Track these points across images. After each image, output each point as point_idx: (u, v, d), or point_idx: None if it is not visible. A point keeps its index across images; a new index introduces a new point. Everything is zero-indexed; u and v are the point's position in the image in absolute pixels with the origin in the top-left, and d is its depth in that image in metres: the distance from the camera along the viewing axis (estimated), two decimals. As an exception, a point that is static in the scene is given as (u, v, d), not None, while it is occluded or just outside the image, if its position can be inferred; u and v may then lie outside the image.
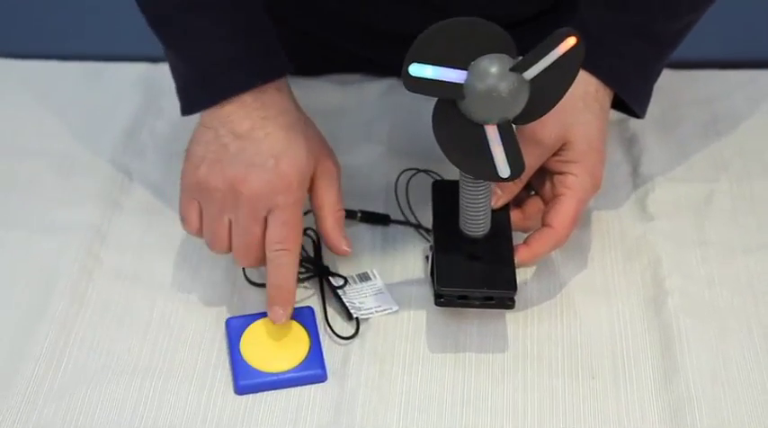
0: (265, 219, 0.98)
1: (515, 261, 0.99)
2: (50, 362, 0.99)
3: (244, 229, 0.98)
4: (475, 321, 1.02)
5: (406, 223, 1.11)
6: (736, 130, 1.21)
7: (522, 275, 1.06)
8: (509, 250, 1.00)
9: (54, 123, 1.23)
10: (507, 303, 0.98)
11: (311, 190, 1.01)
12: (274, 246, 0.98)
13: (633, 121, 1.19)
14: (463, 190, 0.97)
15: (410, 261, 1.08)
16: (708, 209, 1.12)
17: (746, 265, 1.07)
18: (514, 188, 1.02)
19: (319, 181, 1.00)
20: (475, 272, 0.98)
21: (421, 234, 1.10)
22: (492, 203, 1.00)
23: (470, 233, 1.00)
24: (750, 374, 0.99)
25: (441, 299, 0.98)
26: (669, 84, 1.22)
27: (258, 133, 0.97)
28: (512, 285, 0.97)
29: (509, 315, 1.03)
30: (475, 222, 0.99)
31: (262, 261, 1.00)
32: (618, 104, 1.06)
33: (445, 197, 1.01)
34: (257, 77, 0.98)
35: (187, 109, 1.00)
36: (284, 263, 0.98)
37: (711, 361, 0.99)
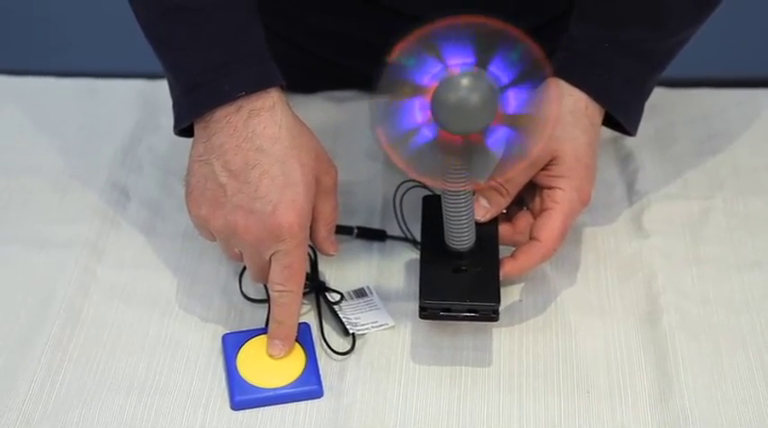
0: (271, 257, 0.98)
1: (501, 274, 0.99)
2: (46, 379, 0.99)
3: (251, 262, 0.99)
4: (470, 337, 1.02)
5: (403, 239, 1.11)
6: (730, 148, 1.21)
7: (518, 292, 1.06)
8: (494, 263, 1.00)
9: (51, 139, 1.23)
10: (491, 316, 0.98)
11: None
12: (276, 287, 0.98)
13: (629, 139, 1.19)
14: (445, 203, 0.97)
15: (406, 276, 1.08)
16: (703, 227, 1.13)
17: (741, 283, 1.07)
18: (502, 202, 1.02)
19: (317, 198, 1.00)
20: (459, 285, 0.99)
21: (418, 249, 1.10)
22: (480, 217, 1.00)
23: (455, 246, 1.00)
24: (745, 391, 0.99)
25: (424, 312, 0.98)
26: (664, 102, 1.22)
27: (253, 173, 0.95)
28: (495, 298, 0.97)
29: (504, 331, 1.03)
30: (458, 235, 0.99)
31: None
32: (610, 122, 1.06)
33: (434, 211, 1.01)
34: (242, 87, 0.95)
35: (175, 124, 0.99)
36: (286, 302, 0.98)
37: (706, 378, 0.99)
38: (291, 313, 0.99)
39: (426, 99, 0.89)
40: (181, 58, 0.97)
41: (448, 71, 0.89)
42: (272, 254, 0.97)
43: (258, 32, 0.98)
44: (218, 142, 0.95)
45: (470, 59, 0.89)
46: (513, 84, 0.89)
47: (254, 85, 0.96)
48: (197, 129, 0.98)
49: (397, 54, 0.90)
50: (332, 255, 1.04)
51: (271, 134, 0.96)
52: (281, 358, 1.00)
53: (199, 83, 0.96)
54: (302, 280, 0.99)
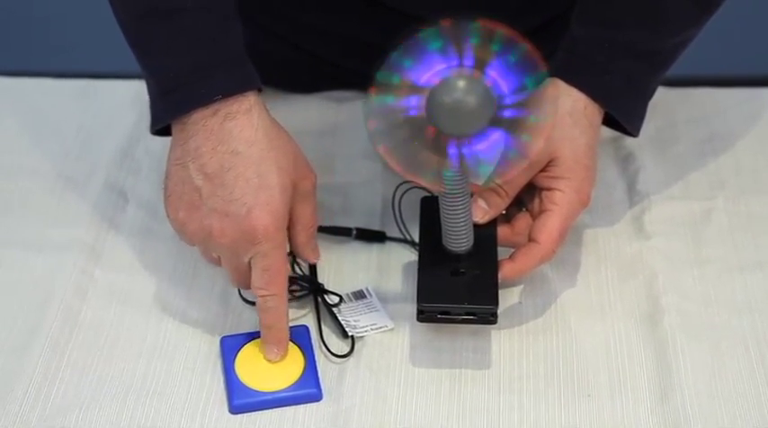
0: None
1: (500, 276, 0.99)
2: (43, 383, 0.99)
3: (230, 266, 0.98)
4: (470, 338, 1.02)
5: (403, 240, 1.11)
6: (732, 148, 1.21)
7: (517, 293, 1.06)
8: (493, 265, 1.00)
9: (48, 141, 1.23)
10: (489, 319, 0.98)
11: None
12: (259, 292, 0.97)
13: (629, 139, 1.19)
14: (443, 204, 0.97)
15: (406, 278, 1.08)
16: (704, 228, 1.12)
17: (743, 283, 1.07)
18: (501, 203, 1.01)
19: (295, 204, 0.99)
20: (456, 288, 0.98)
21: (417, 250, 1.10)
22: (478, 219, 1.00)
23: (453, 248, 0.99)
24: (746, 392, 0.98)
25: (421, 315, 0.98)
26: (665, 101, 1.22)
27: (228, 176, 0.94)
28: (493, 300, 0.97)
29: (504, 332, 1.03)
30: (456, 237, 0.98)
31: None
32: (613, 122, 1.06)
33: (433, 213, 1.01)
34: (219, 90, 0.95)
35: (152, 124, 0.99)
36: (271, 306, 0.98)
37: (708, 380, 0.99)
38: (279, 316, 0.98)
39: (422, 100, 0.89)
40: (159, 60, 0.97)
41: (445, 72, 0.88)
42: (251, 258, 0.96)
43: (237, 35, 0.98)
44: (195, 145, 0.95)
45: (468, 61, 0.89)
46: (511, 85, 0.89)
47: (231, 89, 0.95)
48: (174, 132, 0.97)
49: (395, 53, 0.89)
50: (313, 263, 1.04)
51: (247, 137, 0.95)
52: (279, 361, 0.99)
53: (176, 85, 0.96)
54: (284, 282, 0.98)
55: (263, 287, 0.97)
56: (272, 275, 0.97)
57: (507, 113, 0.89)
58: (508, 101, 0.89)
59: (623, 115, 1.05)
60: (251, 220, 0.94)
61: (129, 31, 0.98)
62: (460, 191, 0.95)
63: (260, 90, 0.98)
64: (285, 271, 0.98)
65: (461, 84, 0.88)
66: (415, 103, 0.89)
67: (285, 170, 0.96)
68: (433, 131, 0.89)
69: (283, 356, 0.99)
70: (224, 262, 0.99)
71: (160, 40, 0.96)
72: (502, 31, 0.89)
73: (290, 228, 0.99)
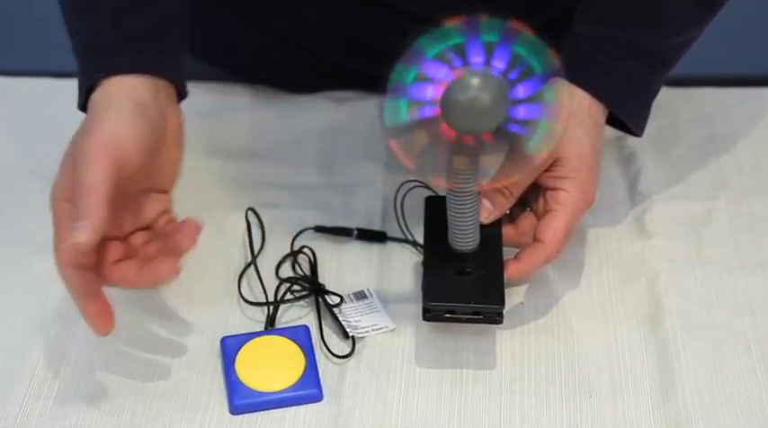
0: None
1: (505, 276, 0.99)
2: (43, 383, 0.98)
3: None
4: (472, 339, 1.02)
5: (404, 240, 1.10)
6: (734, 148, 1.21)
7: (519, 294, 1.06)
8: (498, 265, 0.99)
9: (48, 141, 1.22)
10: (495, 318, 0.97)
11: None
12: None
13: (631, 139, 1.19)
14: (450, 203, 0.97)
15: (407, 278, 1.08)
16: (706, 228, 1.12)
17: (745, 284, 1.07)
18: (506, 203, 1.01)
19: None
20: (463, 287, 0.98)
21: (418, 251, 1.09)
22: (483, 219, 1.00)
23: (459, 247, 0.99)
24: (748, 393, 0.98)
25: (427, 314, 0.98)
26: (667, 101, 1.21)
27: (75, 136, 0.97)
28: (499, 300, 0.97)
29: (506, 333, 1.03)
30: (463, 236, 0.98)
31: None
32: (617, 122, 1.06)
33: (437, 212, 1.00)
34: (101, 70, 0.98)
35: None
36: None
37: (709, 381, 0.99)
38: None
39: (437, 97, 0.89)
40: (75, 37, 1.02)
41: (458, 70, 0.88)
42: None
43: (135, 16, 1.00)
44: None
45: (480, 59, 0.89)
46: (522, 83, 0.89)
47: (108, 69, 0.98)
48: None
49: (408, 52, 0.89)
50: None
51: (96, 101, 0.98)
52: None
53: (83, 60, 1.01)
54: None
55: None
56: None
57: (517, 112, 0.89)
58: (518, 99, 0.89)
59: (627, 115, 1.05)
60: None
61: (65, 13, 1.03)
62: (469, 189, 0.95)
63: (165, 76, 0.99)
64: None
65: (476, 81, 0.88)
66: (429, 101, 0.89)
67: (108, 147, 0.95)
68: (447, 128, 0.89)
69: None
70: None
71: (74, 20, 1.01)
72: (512, 26, 0.89)
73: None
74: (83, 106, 1.00)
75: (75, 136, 0.97)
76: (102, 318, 0.93)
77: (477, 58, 0.89)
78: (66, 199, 0.95)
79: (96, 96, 0.98)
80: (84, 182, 0.93)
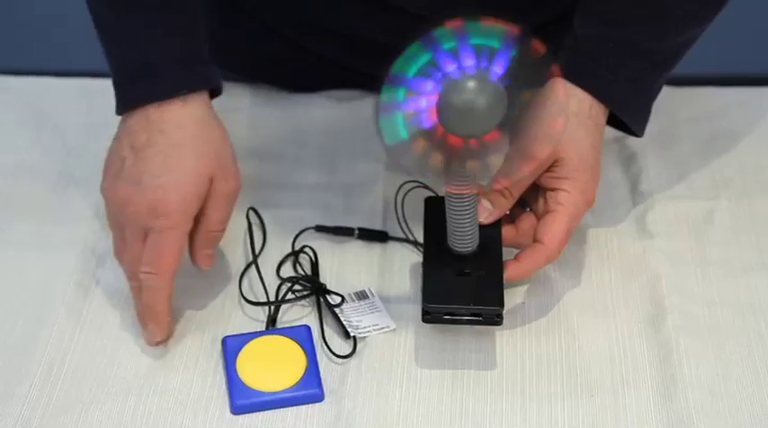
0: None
1: (504, 277, 0.99)
2: (45, 383, 0.98)
3: (130, 245, 1.00)
4: (472, 339, 1.02)
5: (405, 240, 1.10)
6: (735, 148, 1.21)
7: (521, 294, 1.06)
8: (498, 266, 0.99)
9: (50, 140, 1.22)
10: (495, 320, 0.97)
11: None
12: (142, 268, 0.99)
13: (632, 139, 1.19)
14: (449, 205, 0.97)
15: (408, 278, 1.08)
16: (707, 228, 1.12)
17: (746, 284, 1.07)
18: (506, 204, 1.01)
19: (208, 200, 1.00)
20: (462, 289, 0.98)
21: (419, 250, 1.09)
22: (482, 219, 1.00)
23: (458, 249, 0.99)
24: (750, 393, 0.98)
25: (427, 316, 0.98)
26: (668, 101, 1.21)
27: (149, 151, 0.98)
28: (499, 302, 0.97)
29: (507, 333, 1.02)
30: (462, 238, 0.98)
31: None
32: (617, 123, 1.06)
33: (437, 213, 1.00)
34: (164, 90, 0.99)
35: (117, 108, 1.02)
36: (151, 286, 0.99)
37: (711, 380, 0.99)
38: (158, 298, 0.99)
39: (432, 101, 0.89)
40: (119, 52, 1.02)
41: (454, 73, 0.88)
42: (148, 232, 0.98)
43: (192, 34, 1.02)
44: (132, 123, 1.00)
45: (475, 61, 0.88)
46: (519, 85, 0.89)
47: (176, 90, 0.99)
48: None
49: (403, 54, 0.89)
50: (202, 270, 1.03)
51: (177, 121, 0.99)
52: (159, 343, 1.00)
53: (123, 80, 1.01)
54: (170, 265, 0.98)
55: (146, 263, 0.98)
56: (158, 254, 0.98)
57: (515, 112, 0.89)
58: (515, 100, 0.89)
59: (628, 115, 1.05)
60: (156, 193, 0.97)
61: (96, 22, 1.03)
62: (468, 191, 0.95)
63: (216, 91, 1.02)
64: (175, 255, 0.99)
65: (471, 84, 0.88)
66: (425, 104, 0.89)
67: (205, 160, 0.99)
68: (443, 131, 0.89)
69: (163, 340, 1.00)
70: (127, 233, 1.00)
71: (116, 31, 1.01)
72: (508, 28, 0.88)
73: (195, 228, 1.00)
74: (124, 111, 1.01)
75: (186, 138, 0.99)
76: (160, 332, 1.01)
77: (470, 61, 0.89)
78: (188, 214, 0.98)
79: (191, 111, 0.99)
80: (211, 218, 1.00)
